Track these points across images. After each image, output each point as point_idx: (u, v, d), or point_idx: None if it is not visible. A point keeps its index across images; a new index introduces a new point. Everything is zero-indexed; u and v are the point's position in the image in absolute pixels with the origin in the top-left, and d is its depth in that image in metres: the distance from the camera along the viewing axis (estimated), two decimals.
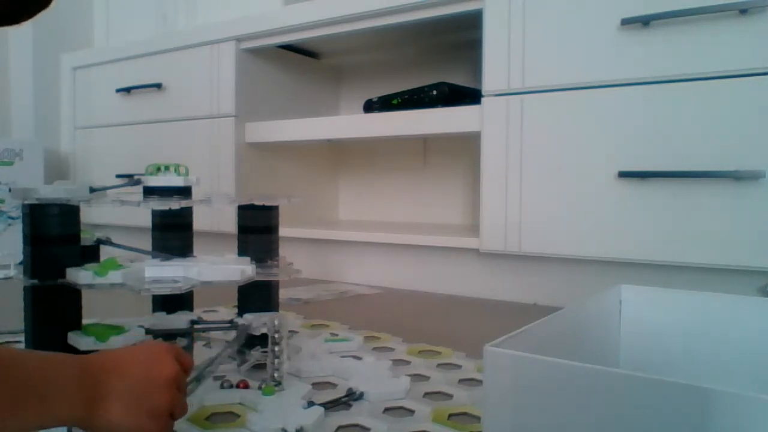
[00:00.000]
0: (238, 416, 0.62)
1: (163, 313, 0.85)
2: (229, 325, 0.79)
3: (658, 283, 0.79)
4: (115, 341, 0.65)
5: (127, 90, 1.79)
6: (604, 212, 1.10)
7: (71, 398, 0.42)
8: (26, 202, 0.68)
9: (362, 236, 1.43)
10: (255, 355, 0.77)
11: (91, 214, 1.88)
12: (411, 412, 0.64)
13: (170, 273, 0.68)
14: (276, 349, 0.68)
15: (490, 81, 1.21)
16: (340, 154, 1.91)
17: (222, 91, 1.59)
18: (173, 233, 0.85)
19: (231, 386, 0.68)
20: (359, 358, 0.82)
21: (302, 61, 1.78)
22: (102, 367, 0.46)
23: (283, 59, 1.71)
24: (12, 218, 1.69)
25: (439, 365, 0.81)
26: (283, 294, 1.28)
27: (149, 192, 0.82)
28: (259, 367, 0.75)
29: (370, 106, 1.53)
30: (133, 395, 0.46)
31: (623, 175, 1.07)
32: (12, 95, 2.11)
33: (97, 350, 0.63)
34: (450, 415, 0.63)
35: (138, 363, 0.47)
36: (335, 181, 1.91)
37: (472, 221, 1.64)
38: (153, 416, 0.47)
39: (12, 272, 0.72)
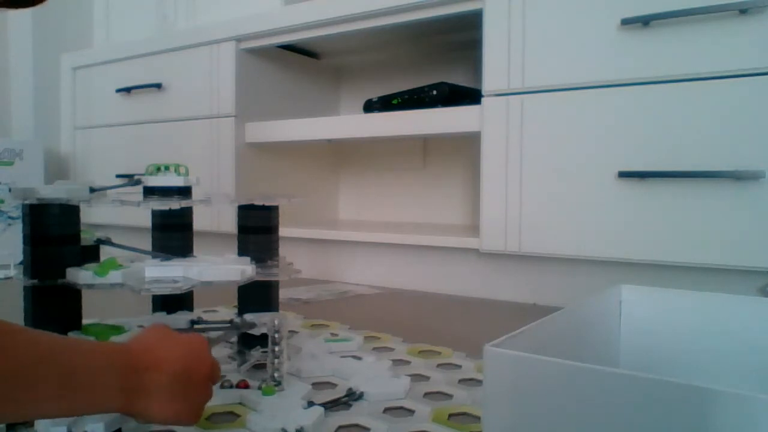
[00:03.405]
0: (238, 416, 0.62)
1: (163, 313, 0.85)
2: (229, 325, 0.79)
3: (658, 283, 0.79)
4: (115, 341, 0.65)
5: (127, 90, 1.79)
6: (604, 212, 1.10)
7: (115, 389, 0.44)
8: (26, 202, 0.68)
9: (362, 236, 1.43)
10: (255, 355, 0.77)
11: (91, 214, 1.88)
12: (411, 412, 0.64)
13: (170, 273, 0.68)
14: (276, 349, 0.68)
15: (490, 81, 1.21)
16: (340, 154, 1.91)
17: (222, 91, 1.59)
18: (173, 233, 0.85)
19: (231, 386, 0.68)
20: (359, 358, 0.82)
21: (302, 61, 1.78)
22: (144, 360, 0.47)
23: (283, 59, 1.72)
24: (12, 218, 1.69)
25: (439, 365, 0.81)
26: (283, 294, 1.28)
27: (149, 192, 0.82)
28: (259, 367, 0.75)
29: (370, 106, 1.53)
30: (172, 390, 0.48)
31: (623, 175, 1.07)
32: (12, 95, 2.11)
33: None
34: (450, 415, 0.63)
35: (178, 359, 0.49)
36: (335, 181, 1.91)
37: (472, 221, 1.64)
38: (189, 409, 0.49)
39: (12, 272, 0.72)
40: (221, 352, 0.82)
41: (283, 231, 0.86)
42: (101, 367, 0.44)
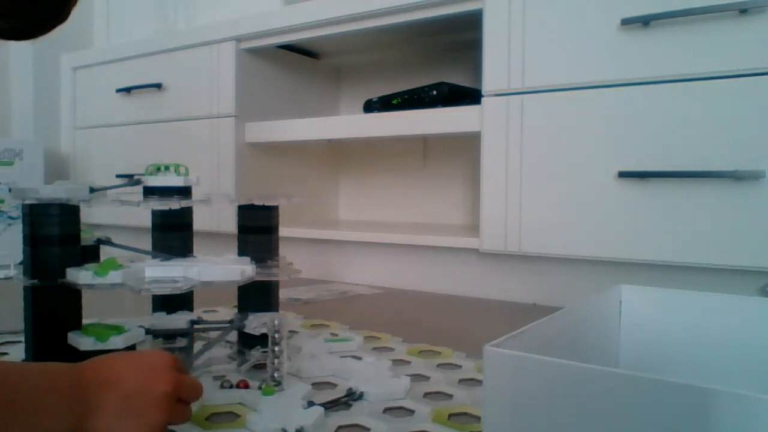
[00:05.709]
0: (238, 416, 0.62)
1: (163, 313, 0.85)
2: (229, 325, 0.79)
3: (658, 283, 0.79)
4: (115, 341, 0.65)
5: (127, 90, 1.79)
6: (604, 212, 1.10)
7: (61, 411, 0.43)
8: (26, 202, 0.68)
9: (362, 236, 1.43)
10: (255, 355, 0.77)
11: (91, 214, 1.88)
12: (411, 412, 0.64)
13: (170, 273, 0.68)
14: (276, 349, 0.68)
15: (490, 81, 1.21)
16: (340, 154, 1.91)
17: (222, 91, 1.59)
18: (173, 233, 0.85)
19: (231, 386, 0.68)
20: (359, 358, 0.82)
21: (302, 61, 1.78)
22: (95, 379, 0.46)
23: (283, 59, 1.71)
24: (12, 218, 1.69)
25: (439, 365, 0.81)
26: (283, 294, 1.28)
27: (149, 192, 0.82)
28: (259, 367, 0.75)
29: (370, 106, 1.53)
30: (125, 408, 0.46)
31: (623, 175, 1.07)
32: (12, 95, 2.11)
33: (97, 350, 0.63)
34: (450, 415, 0.63)
35: (134, 376, 0.47)
36: (335, 181, 1.91)
37: (472, 221, 1.64)
38: (144, 428, 0.46)
39: (12, 272, 0.72)
40: (221, 351, 0.82)
41: (283, 231, 0.86)
42: (47, 389, 0.42)
